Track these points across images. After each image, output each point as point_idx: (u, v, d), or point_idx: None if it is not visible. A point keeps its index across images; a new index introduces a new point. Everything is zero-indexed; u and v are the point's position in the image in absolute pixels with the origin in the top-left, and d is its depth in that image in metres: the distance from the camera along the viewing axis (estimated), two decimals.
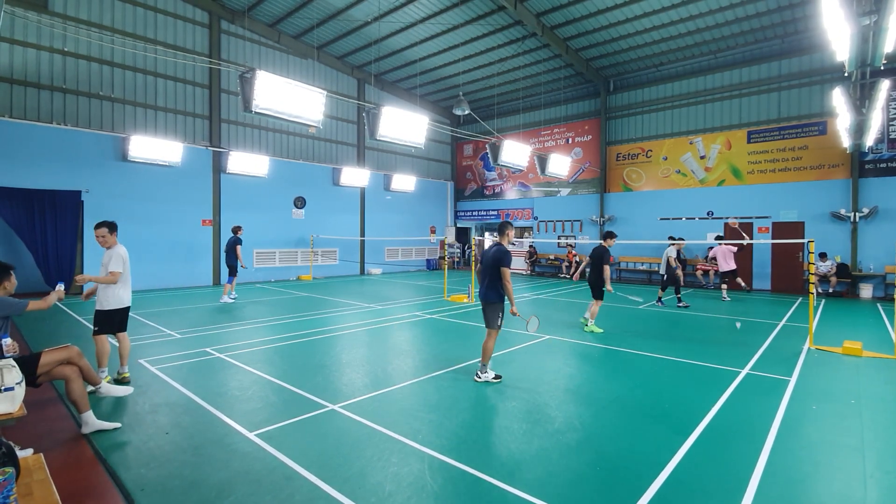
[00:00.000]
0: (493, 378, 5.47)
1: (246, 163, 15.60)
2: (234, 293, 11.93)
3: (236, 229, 11.88)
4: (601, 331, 8.18)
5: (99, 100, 13.15)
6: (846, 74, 8.59)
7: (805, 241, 7.62)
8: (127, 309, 5.54)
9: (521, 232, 23.34)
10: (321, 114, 8.85)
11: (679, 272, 11.70)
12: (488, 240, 24.75)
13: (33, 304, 4.05)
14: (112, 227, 5.38)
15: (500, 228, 5.68)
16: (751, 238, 15.00)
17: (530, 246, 20.29)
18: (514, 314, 5.50)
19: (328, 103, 11.12)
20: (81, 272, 12.68)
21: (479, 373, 5.51)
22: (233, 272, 11.67)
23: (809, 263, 7.45)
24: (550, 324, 8.92)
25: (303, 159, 17.86)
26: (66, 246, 12.13)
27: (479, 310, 10.48)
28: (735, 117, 15.64)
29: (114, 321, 5.39)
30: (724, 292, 12.65)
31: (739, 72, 15.48)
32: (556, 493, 3.09)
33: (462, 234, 24.50)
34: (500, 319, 5.52)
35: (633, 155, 17.92)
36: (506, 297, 5.50)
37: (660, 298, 11.75)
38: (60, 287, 4.39)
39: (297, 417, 4.35)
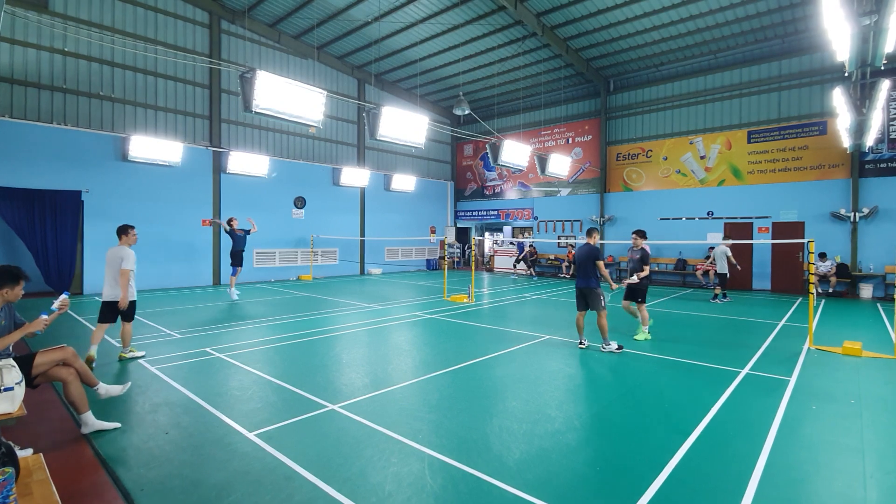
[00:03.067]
0: (617, 348, 6.78)
1: (246, 163, 15.60)
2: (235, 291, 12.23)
3: (231, 220, 12.07)
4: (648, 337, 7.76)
5: (99, 100, 13.15)
6: (846, 74, 8.60)
7: (805, 241, 7.62)
8: (132, 302, 6.32)
9: (521, 232, 23.35)
10: (321, 114, 8.85)
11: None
12: (489, 240, 24.76)
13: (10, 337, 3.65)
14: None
15: (589, 232, 7.14)
16: (751, 239, 15.04)
17: (530, 245, 20.28)
18: (613, 289, 7.39)
19: (328, 103, 11.11)
20: (81, 272, 12.70)
21: (603, 345, 6.85)
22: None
23: (809, 263, 7.45)
24: (550, 323, 8.92)
25: (303, 159, 17.86)
26: (65, 246, 12.13)
27: (478, 310, 10.52)
28: (735, 117, 15.63)
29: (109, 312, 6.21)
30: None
31: (739, 72, 15.48)
32: (556, 493, 3.09)
33: (462, 234, 24.49)
34: (603, 301, 6.86)
35: (633, 155, 17.91)
36: (602, 282, 7.04)
37: (716, 295, 12.33)
38: (65, 297, 4.12)
39: (297, 417, 4.35)
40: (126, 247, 6.19)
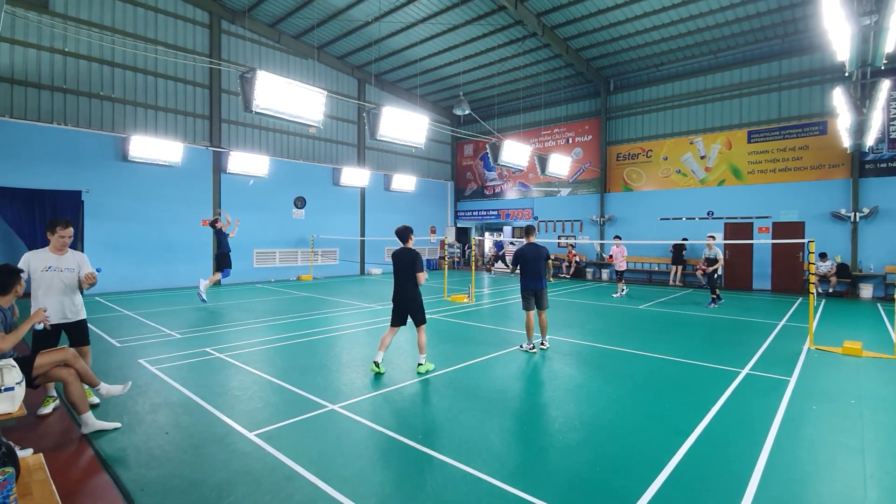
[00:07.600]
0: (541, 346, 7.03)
1: (246, 163, 15.60)
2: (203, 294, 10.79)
3: (214, 222, 11.39)
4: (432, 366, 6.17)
5: (99, 100, 13.15)
6: (847, 74, 8.60)
7: (805, 241, 7.61)
8: None
9: (522, 232, 23.30)
10: (321, 114, 8.84)
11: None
12: (489, 240, 24.76)
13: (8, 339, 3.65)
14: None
15: (530, 230, 7.33)
16: (751, 238, 15.04)
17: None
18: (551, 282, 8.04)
19: (328, 103, 11.09)
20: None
21: (543, 342, 7.06)
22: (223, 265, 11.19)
23: (809, 263, 7.45)
24: (550, 323, 8.91)
25: (303, 159, 17.86)
26: None
27: (478, 310, 10.51)
28: (735, 117, 15.63)
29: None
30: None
31: (740, 72, 15.47)
32: (556, 493, 3.09)
33: (462, 234, 24.49)
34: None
35: (633, 155, 17.91)
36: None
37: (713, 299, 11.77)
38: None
39: (297, 417, 4.35)
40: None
